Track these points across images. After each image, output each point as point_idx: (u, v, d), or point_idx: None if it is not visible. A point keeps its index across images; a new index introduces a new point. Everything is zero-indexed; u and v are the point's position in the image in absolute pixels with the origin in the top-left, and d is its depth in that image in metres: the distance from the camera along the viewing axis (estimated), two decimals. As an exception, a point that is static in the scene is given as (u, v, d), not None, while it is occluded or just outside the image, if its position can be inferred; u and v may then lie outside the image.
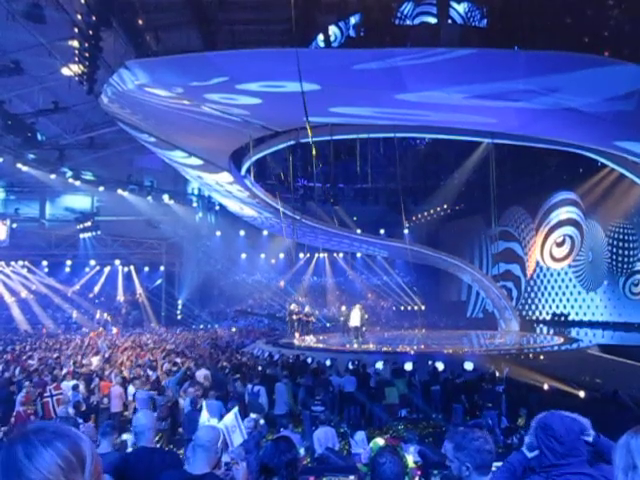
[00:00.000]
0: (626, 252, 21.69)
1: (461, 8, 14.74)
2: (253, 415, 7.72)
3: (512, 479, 3.04)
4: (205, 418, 5.39)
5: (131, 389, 11.39)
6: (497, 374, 12.05)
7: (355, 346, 18.56)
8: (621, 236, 21.92)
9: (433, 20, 14.89)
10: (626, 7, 11.30)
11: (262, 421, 7.83)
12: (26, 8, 12.28)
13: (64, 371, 12.77)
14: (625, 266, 21.71)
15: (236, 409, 5.28)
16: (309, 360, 14.93)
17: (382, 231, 30.74)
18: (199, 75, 11.12)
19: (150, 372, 12.72)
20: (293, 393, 11.44)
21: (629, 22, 11.14)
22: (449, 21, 14.63)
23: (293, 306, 24.33)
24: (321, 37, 14.81)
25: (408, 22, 14.76)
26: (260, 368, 14.01)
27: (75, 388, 10.65)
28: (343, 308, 24.46)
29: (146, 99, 12.67)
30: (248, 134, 14.55)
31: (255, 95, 11.88)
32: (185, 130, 15.57)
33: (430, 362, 13.97)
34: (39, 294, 31.43)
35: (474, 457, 2.43)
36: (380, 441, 6.76)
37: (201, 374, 11.93)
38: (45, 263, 31.70)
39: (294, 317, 23.51)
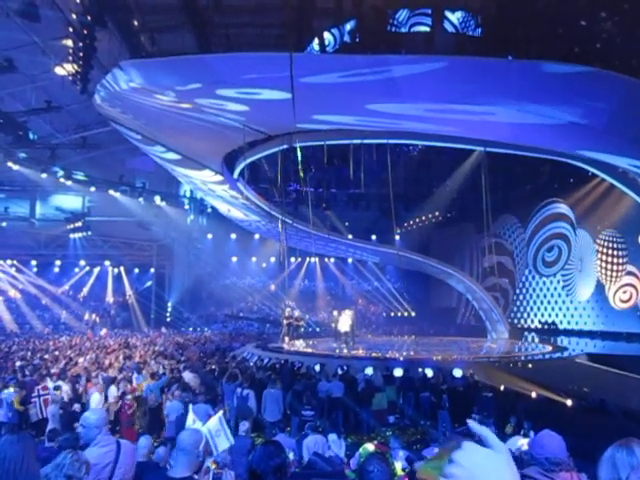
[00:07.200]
0: (615, 263, 21.84)
1: (456, 17, 14.80)
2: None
3: None
4: (190, 421, 5.33)
5: (112, 390, 11.26)
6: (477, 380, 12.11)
7: (345, 352, 18.50)
8: (610, 246, 22.06)
9: (427, 28, 14.93)
10: (618, 20, 11.43)
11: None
12: (21, 6, 12.17)
13: (51, 371, 12.66)
14: (614, 276, 21.85)
15: (220, 413, 5.24)
16: (297, 365, 14.90)
17: (374, 237, 30.79)
18: (193, 77, 11.11)
19: (136, 375, 12.60)
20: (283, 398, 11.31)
21: (620, 35, 11.26)
22: (444, 29, 14.67)
23: (288, 311, 24.26)
24: (316, 42, 14.82)
25: (402, 29, 14.79)
26: (249, 372, 13.93)
27: (57, 389, 10.55)
28: (335, 313, 24.41)
29: (139, 100, 12.63)
30: (241, 137, 14.52)
31: (250, 99, 11.88)
32: (179, 132, 15.52)
33: (419, 369, 13.98)
34: (27, 294, 31.17)
35: None
36: (370, 447, 6.73)
37: (189, 377, 11.85)
38: (34, 263, 31.48)
39: (285, 321, 23.46)
